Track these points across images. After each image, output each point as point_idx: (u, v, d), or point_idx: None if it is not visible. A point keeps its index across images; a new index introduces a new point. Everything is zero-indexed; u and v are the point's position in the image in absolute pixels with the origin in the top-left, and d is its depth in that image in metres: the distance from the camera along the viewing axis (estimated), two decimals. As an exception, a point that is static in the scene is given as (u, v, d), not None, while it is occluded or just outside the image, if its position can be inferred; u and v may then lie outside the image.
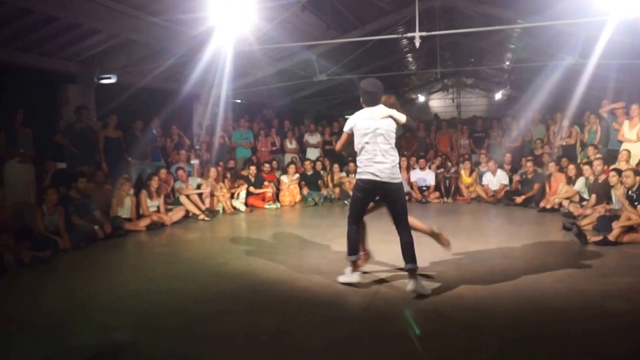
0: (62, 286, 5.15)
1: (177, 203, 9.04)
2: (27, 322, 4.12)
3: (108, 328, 3.97)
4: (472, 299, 4.47)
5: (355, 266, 4.90)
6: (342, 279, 4.91)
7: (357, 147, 4.72)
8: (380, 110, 4.67)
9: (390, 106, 4.82)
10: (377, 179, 4.61)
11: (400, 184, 4.71)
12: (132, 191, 8.31)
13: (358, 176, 4.77)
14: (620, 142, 9.25)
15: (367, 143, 4.62)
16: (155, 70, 10.38)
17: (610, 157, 9.11)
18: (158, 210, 8.53)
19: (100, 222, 7.37)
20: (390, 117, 4.64)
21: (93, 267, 5.95)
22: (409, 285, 4.53)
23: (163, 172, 9.02)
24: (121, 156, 9.04)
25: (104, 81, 9.28)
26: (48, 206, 6.82)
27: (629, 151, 8.70)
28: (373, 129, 4.60)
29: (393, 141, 4.66)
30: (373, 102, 4.72)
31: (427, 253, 6.13)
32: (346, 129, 4.82)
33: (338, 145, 5.06)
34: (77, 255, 6.47)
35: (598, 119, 10.28)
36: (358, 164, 4.76)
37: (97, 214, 7.43)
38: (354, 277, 4.85)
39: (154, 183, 8.50)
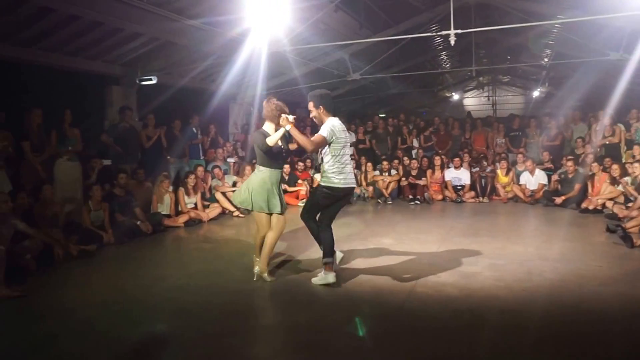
0: (106, 279, 5.31)
1: (214, 200, 9.16)
2: (74, 313, 4.27)
3: (150, 320, 4.07)
4: (509, 301, 4.39)
5: (329, 268, 4.85)
6: (317, 281, 4.85)
7: (332, 155, 4.78)
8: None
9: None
10: (353, 185, 4.98)
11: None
12: (171, 188, 8.49)
13: (335, 184, 4.79)
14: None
15: (344, 153, 4.83)
16: (193, 71, 10.55)
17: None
18: (196, 207, 8.67)
19: (141, 218, 7.55)
20: None
21: (136, 261, 6.13)
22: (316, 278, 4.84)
23: (200, 169, 9.16)
24: (160, 154, 9.23)
25: (145, 82, 9.50)
26: (94, 202, 7.06)
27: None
28: (348, 140, 4.95)
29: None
30: (333, 111, 4.94)
31: (463, 253, 6.06)
32: (327, 136, 4.73)
33: (313, 148, 4.81)
34: (120, 250, 6.68)
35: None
36: (333, 172, 4.79)
37: (138, 210, 7.60)
38: (330, 278, 4.79)
39: (191, 180, 8.65)
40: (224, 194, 9.27)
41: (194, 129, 10.30)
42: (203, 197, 8.96)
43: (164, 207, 8.27)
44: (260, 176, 4.93)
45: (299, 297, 4.58)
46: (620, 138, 10.44)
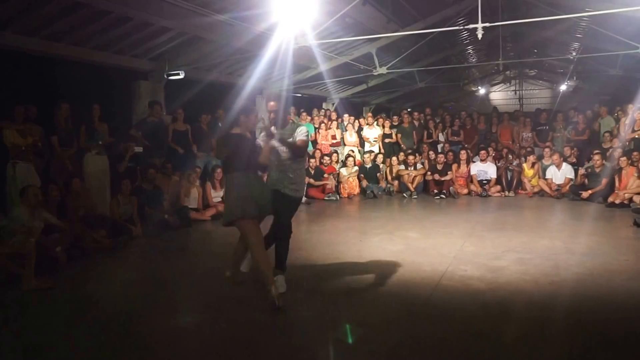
0: (136, 271, 5.45)
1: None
2: (103, 303, 4.37)
3: (176, 311, 4.14)
4: (536, 295, 4.34)
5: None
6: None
7: (299, 162, 4.68)
8: None
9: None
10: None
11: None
12: (198, 182, 8.59)
13: (300, 194, 4.76)
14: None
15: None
16: (220, 66, 10.64)
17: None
18: (222, 201, 8.76)
19: (169, 212, 7.66)
20: None
21: (164, 254, 6.23)
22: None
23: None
24: (189, 148, 9.33)
25: (172, 77, 9.59)
26: (123, 196, 7.18)
27: None
28: None
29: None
30: None
31: (489, 247, 6.01)
32: (306, 139, 4.71)
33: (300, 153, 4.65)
34: (149, 243, 6.80)
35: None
36: (300, 180, 4.69)
37: (166, 204, 7.72)
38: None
39: (218, 174, 8.74)
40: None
41: (220, 124, 10.39)
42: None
43: (192, 200, 8.38)
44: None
45: (326, 292, 4.59)
46: (650, 132, 10.19)
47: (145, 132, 8.73)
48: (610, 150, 10.28)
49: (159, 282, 4.96)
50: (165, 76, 9.58)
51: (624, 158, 9.21)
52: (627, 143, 10.36)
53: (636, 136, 10.32)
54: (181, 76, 9.53)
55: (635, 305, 4.04)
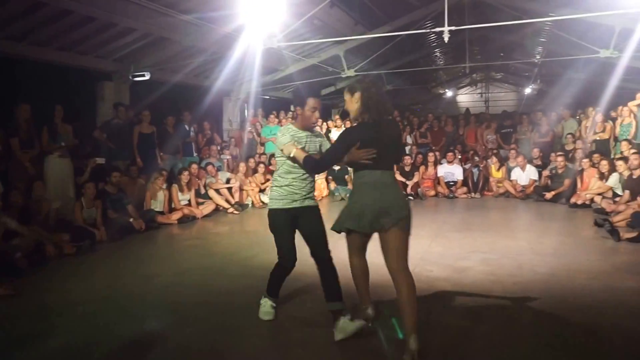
0: (99, 277, 5.29)
1: (208, 197, 9.16)
2: (66, 310, 4.25)
3: (142, 318, 4.07)
4: (501, 295, 4.42)
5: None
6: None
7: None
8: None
9: (302, 121, 3.79)
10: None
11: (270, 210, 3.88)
12: (165, 185, 8.47)
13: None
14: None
15: None
16: (186, 68, 10.51)
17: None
18: (189, 204, 8.66)
19: (134, 215, 7.53)
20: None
21: (128, 259, 6.10)
22: None
23: (194, 166, 9.16)
24: (154, 151, 9.20)
25: (137, 78, 9.46)
26: (87, 200, 7.02)
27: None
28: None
29: (279, 165, 3.79)
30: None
31: (455, 248, 6.10)
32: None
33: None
34: (113, 247, 6.65)
35: (632, 113, 9.98)
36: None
37: (131, 208, 7.58)
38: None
39: (185, 177, 8.64)
40: (217, 190, 9.28)
41: (186, 126, 10.29)
42: (197, 194, 8.95)
43: (158, 204, 8.26)
44: None
45: (293, 293, 4.58)
46: (610, 134, 10.53)
47: (109, 134, 8.58)
48: (573, 152, 10.59)
49: (121, 287, 4.86)
50: (130, 77, 9.45)
51: (586, 160, 9.49)
52: (589, 145, 10.68)
53: (597, 138, 10.65)
54: (146, 77, 9.41)
55: (597, 304, 4.15)
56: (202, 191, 9.19)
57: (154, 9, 7.59)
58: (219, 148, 10.95)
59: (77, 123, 8.20)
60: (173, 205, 8.45)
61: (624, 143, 9.40)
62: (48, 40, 7.89)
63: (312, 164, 3.54)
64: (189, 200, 8.70)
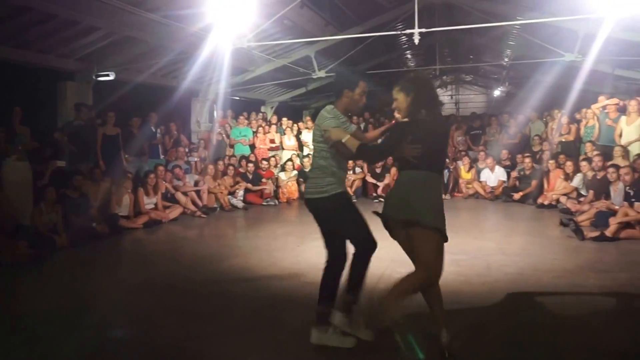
0: (60, 284, 5.17)
1: (175, 200, 9.04)
2: (26, 320, 4.12)
3: (107, 325, 3.98)
4: (469, 295, 4.49)
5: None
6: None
7: None
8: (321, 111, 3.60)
9: (348, 104, 3.59)
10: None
11: (322, 200, 3.54)
12: (130, 188, 8.31)
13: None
14: (613, 138, 9.27)
15: None
16: (153, 67, 10.36)
17: (604, 153, 9.06)
18: (156, 208, 8.53)
19: (97, 220, 7.36)
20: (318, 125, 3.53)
21: (91, 265, 5.96)
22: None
23: (161, 169, 9.03)
24: (118, 153, 9.03)
25: (101, 78, 9.26)
26: (47, 204, 6.81)
27: (624, 147, 8.75)
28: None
29: (319, 154, 3.55)
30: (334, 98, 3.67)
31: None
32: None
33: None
34: (75, 253, 6.48)
35: (595, 116, 10.29)
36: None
37: (94, 212, 7.41)
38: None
39: (151, 180, 8.51)
40: (185, 193, 9.17)
41: (152, 128, 10.14)
42: (163, 198, 8.82)
43: (123, 208, 8.10)
44: None
45: (264, 297, 4.56)
46: (575, 136, 10.81)
47: (70, 136, 8.37)
48: (540, 153, 10.84)
49: (84, 295, 4.75)
50: (94, 77, 9.24)
51: (552, 161, 9.74)
52: (555, 146, 10.96)
53: (563, 140, 10.93)
54: (111, 77, 9.22)
55: (562, 302, 4.26)
56: (169, 194, 9.07)
57: (119, 7, 7.44)
58: (186, 150, 10.83)
59: (38, 125, 7.98)
60: (139, 209, 8.30)
61: (588, 145, 9.68)
62: (5, 37, 7.65)
63: (367, 153, 3.45)
64: (155, 204, 8.57)
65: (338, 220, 3.55)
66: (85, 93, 9.35)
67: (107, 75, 9.19)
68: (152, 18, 8.01)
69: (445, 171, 11.21)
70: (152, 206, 8.52)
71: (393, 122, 3.89)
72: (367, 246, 3.50)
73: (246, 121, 12.58)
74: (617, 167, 7.56)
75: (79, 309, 4.37)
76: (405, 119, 3.30)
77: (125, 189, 8.17)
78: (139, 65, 10.04)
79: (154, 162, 9.67)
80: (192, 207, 9.10)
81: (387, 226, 3.44)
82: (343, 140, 3.33)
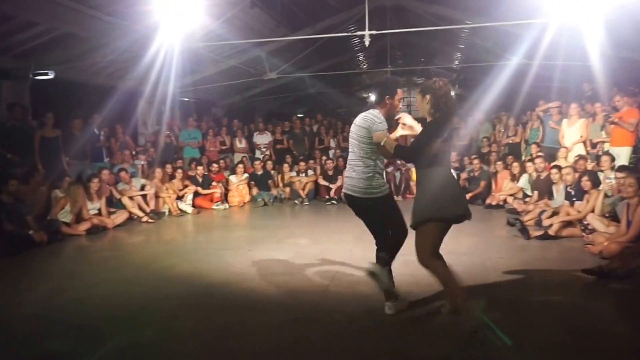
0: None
1: (120, 205, 8.81)
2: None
3: (44, 337, 3.85)
4: (419, 295, 4.59)
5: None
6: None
7: None
8: (363, 113, 4.13)
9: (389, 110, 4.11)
10: (345, 191, 4.23)
11: (372, 199, 4.05)
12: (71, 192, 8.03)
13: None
14: (557, 140, 9.70)
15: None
16: (96, 66, 10.09)
17: (548, 154, 9.49)
18: (100, 213, 8.29)
19: (35, 227, 7.07)
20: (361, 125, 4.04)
21: (27, 275, 5.70)
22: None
23: (105, 172, 8.79)
24: (58, 156, 8.72)
25: (40, 77, 8.89)
26: (-22, 211, 6.50)
27: (566, 149, 9.18)
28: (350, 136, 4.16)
29: (362, 153, 4.01)
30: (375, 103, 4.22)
31: (375, 252, 6.25)
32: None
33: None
34: (9, 263, 6.16)
35: (539, 118, 10.73)
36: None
37: (30, 218, 7.12)
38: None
39: (94, 185, 8.27)
40: (131, 198, 8.96)
41: (95, 130, 9.86)
42: (108, 203, 8.59)
43: (64, 213, 7.83)
44: None
45: (214, 303, 4.53)
46: (521, 138, 11.24)
47: (4, 138, 8.01)
48: (488, 155, 11.21)
49: (21, 306, 4.56)
50: (31, 76, 8.87)
51: (500, 162, 10.11)
52: (502, 148, 11.36)
53: (510, 142, 11.34)
54: (50, 76, 8.87)
55: (508, 299, 4.43)
56: (115, 199, 8.84)
57: (59, 2, 7.20)
58: (133, 153, 10.59)
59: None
60: (81, 215, 8.04)
61: (534, 146, 10.09)
62: None
63: (403, 153, 3.89)
64: (99, 209, 8.33)
65: (389, 215, 4.21)
66: (21, 92, 8.98)
67: (46, 73, 8.83)
68: (95, 15, 7.80)
69: (398, 173, 11.41)
70: (96, 211, 8.27)
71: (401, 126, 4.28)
72: (405, 233, 4.26)
73: (195, 123, 12.43)
74: (559, 168, 7.92)
75: (12, 321, 4.20)
76: (430, 119, 3.77)
77: (68, 194, 7.89)
78: (82, 64, 9.74)
79: (98, 165, 9.41)
80: (139, 212, 8.90)
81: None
82: (382, 143, 3.84)
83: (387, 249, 4.23)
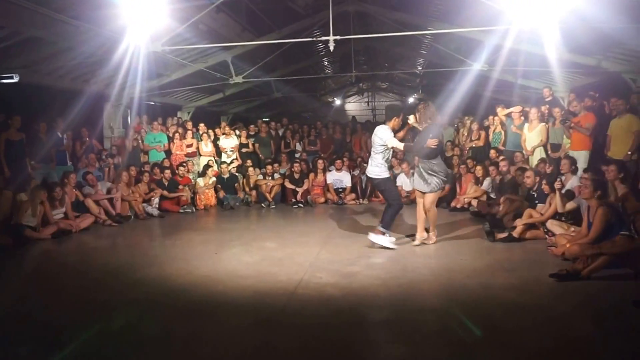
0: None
1: (86, 209, 8.59)
2: None
3: (6, 343, 3.73)
4: (386, 297, 4.65)
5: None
6: (379, 240, 6.54)
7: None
8: (380, 127, 6.78)
9: (394, 125, 6.72)
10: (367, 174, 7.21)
11: (380, 179, 6.72)
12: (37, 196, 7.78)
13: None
14: (519, 144, 9.94)
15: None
16: (62, 70, 9.81)
17: (510, 158, 9.65)
18: (65, 217, 8.07)
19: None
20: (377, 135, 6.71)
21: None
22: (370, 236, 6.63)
23: (72, 176, 8.57)
24: (23, 160, 8.47)
25: (4, 80, 8.63)
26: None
27: (522, 153, 9.49)
28: (372, 139, 6.88)
29: (378, 151, 6.65)
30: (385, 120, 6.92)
31: (343, 254, 6.28)
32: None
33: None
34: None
35: (501, 122, 10.96)
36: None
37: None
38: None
39: (59, 191, 8.02)
40: (97, 201, 8.74)
41: (59, 134, 9.60)
42: (74, 206, 8.36)
43: (29, 217, 7.58)
44: None
45: (180, 307, 4.47)
46: (484, 142, 11.46)
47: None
48: (452, 158, 11.36)
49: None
50: (-5, 79, 8.60)
51: (463, 166, 10.26)
52: (466, 152, 11.55)
53: (474, 145, 11.55)
54: (15, 80, 8.62)
55: (473, 300, 4.51)
56: (80, 202, 8.60)
57: (23, 6, 6.98)
58: (99, 156, 10.36)
59: None
60: (46, 219, 7.80)
61: (492, 151, 10.31)
62: None
63: (410, 148, 6.86)
64: (65, 213, 8.11)
65: (388, 191, 6.89)
66: (-16, 96, 8.70)
67: (11, 77, 8.58)
68: (61, 18, 7.59)
69: (363, 176, 11.47)
70: (62, 215, 8.05)
71: (408, 126, 6.95)
72: (400, 204, 6.89)
73: (161, 127, 12.23)
74: (523, 170, 8.10)
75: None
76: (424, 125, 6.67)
77: (34, 198, 7.64)
78: (47, 68, 9.47)
79: (62, 169, 9.17)
80: (105, 216, 8.70)
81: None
82: (394, 145, 6.55)
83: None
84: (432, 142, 6.38)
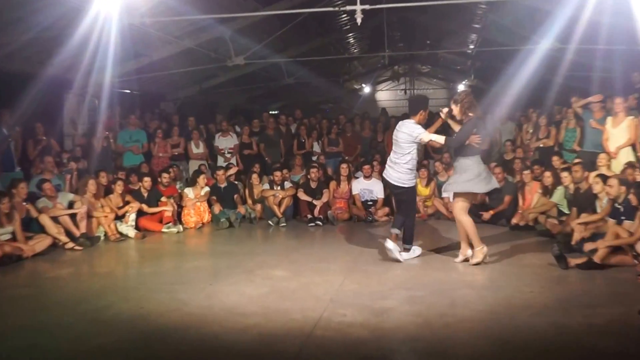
0: None
1: (41, 229, 8.69)
2: None
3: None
4: (430, 340, 4.60)
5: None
6: (406, 256, 7.39)
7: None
8: (404, 122, 7.21)
9: (420, 119, 7.24)
10: (385, 177, 7.62)
11: (405, 187, 7.27)
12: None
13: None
14: (600, 143, 9.79)
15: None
16: (8, 47, 9.96)
17: (589, 161, 9.50)
18: (13, 239, 8.17)
19: None
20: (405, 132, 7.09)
21: None
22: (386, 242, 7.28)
23: (22, 186, 8.67)
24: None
25: None
26: None
27: (607, 154, 9.26)
28: (394, 138, 7.31)
29: (405, 151, 7.09)
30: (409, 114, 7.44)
31: (374, 284, 6.25)
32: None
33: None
34: None
35: (576, 116, 10.83)
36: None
37: None
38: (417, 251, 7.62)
39: (4, 205, 8.12)
40: (55, 218, 8.83)
41: (4, 130, 9.73)
42: (25, 225, 8.46)
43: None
44: None
45: (165, 354, 4.51)
46: (555, 141, 11.33)
47: None
48: (512, 162, 11.24)
49: None
50: None
51: (528, 172, 10.11)
52: (531, 154, 11.44)
53: (541, 145, 11.43)
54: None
55: (540, 346, 4.44)
56: (34, 219, 8.73)
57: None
58: (58, 160, 10.49)
59: None
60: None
61: (555, 157, 10.14)
62: None
63: (450, 143, 7.11)
64: (13, 233, 8.21)
65: (410, 202, 7.55)
66: None
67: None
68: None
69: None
70: (9, 236, 8.15)
71: (440, 119, 7.34)
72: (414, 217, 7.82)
73: (139, 122, 12.37)
74: (603, 177, 7.97)
75: None
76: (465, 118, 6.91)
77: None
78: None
79: (9, 176, 9.29)
80: (66, 237, 8.79)
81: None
82: (432, 139, 7.04)
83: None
84: (475, 138, 6.74)
